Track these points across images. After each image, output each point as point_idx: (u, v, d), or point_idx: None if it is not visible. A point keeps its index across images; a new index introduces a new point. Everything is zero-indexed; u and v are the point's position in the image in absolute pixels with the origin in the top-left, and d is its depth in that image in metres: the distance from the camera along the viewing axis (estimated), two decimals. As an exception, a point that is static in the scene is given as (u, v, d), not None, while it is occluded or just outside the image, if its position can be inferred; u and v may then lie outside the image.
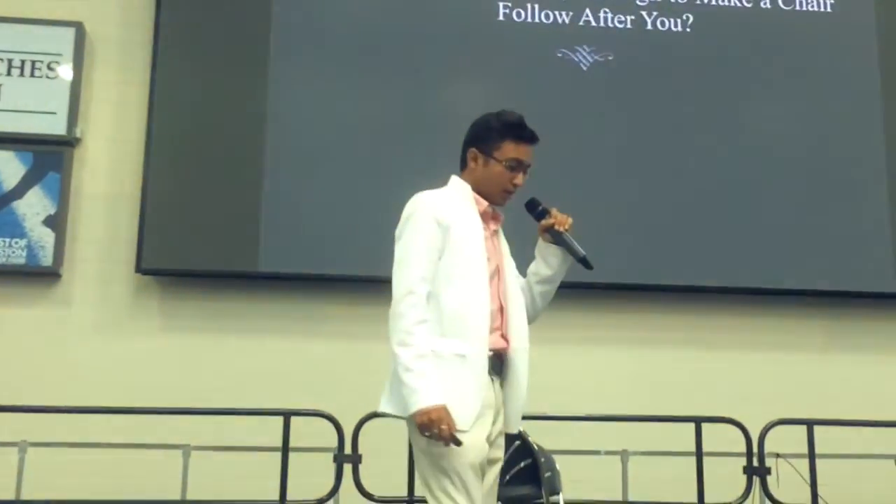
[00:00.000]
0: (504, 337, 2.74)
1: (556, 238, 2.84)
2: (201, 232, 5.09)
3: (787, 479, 4.51)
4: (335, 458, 4.23)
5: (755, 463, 4.39)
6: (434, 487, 2.58)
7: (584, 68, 5.50)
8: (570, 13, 5.54)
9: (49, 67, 5.29)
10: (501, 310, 2.75)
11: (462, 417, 2.56)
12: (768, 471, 4.39)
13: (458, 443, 2.52)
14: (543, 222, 2.87)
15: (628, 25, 5.56)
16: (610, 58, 5.51)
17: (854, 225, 5.44)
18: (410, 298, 2.64)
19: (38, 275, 5.08)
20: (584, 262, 2.81)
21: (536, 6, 5.53)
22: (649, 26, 5.58)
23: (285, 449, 4.22)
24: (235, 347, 5.07)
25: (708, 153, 5.46)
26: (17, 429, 4.25)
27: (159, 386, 4.87)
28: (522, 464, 3.56)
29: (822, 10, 5.70)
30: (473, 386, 2.62)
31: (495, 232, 2.85)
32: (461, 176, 2.91)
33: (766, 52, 5.61)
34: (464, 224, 2.74)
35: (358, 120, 5.31)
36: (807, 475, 4.43)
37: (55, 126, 5.21)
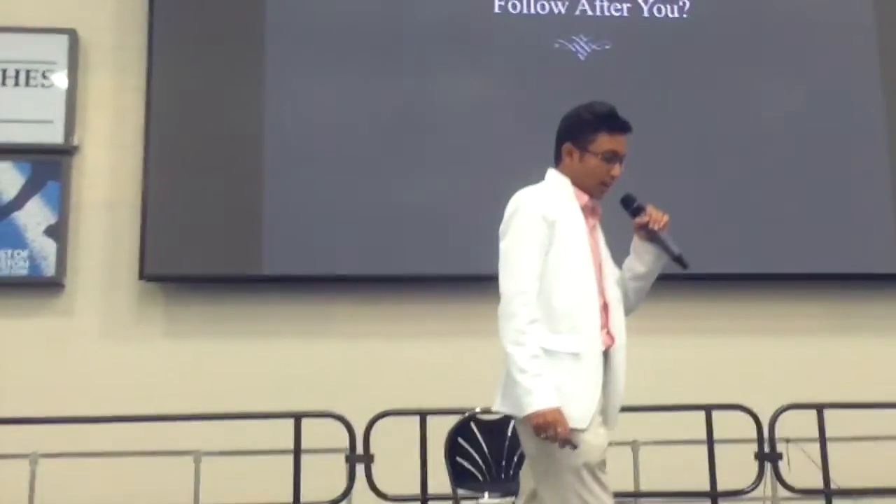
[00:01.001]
0: (609, 334, 2.73)
1: (651, 236, 2.78)
2: (203, 236, 5.07)
3: (799, 464, 4.51)
4: (347, 459, 4.23)
5: (766, 449, 4.40)
6: (558, 488, 2.55)
7: (582, 58, 5.48)
8: (566, 3, 5.52)
9: (44, 76, 5.27)
10: (605, 306, 2.74)
11: (579, 416, 2.56)
12: (780, 456, 4.39)
13: (575, 445, 2.51)
14: (638, 220, 2.81)
15: (625, 14, 5.54)
16: (608, 47, 5.48)
17: (859, 207, 5.43)
18: (522, 297, 2.65)
19: (42, 285, 5.07)
20: (678, 260, 2.75)
21: (532, -3, 5.51)
22: (646, 13, 5.55)
23: (297, 451, 4.22)
24: (242, 351, 5.06)
25: (710, 140, 5.44)
26: (28, 440, 4.24)
27: (167, 392, 4.85)
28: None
29: (820, -10, 5.68)
30: (589, 384, 2.62)
31: (594, 227, 2.83)
32: (562, 173, 2.86)
33: (764, 36, 5.59)
34: (568, 219, 2.72)
35: (356, 117, 5.29)
36: (818, 459, 4.43)
37: (52, 134, 5.19)
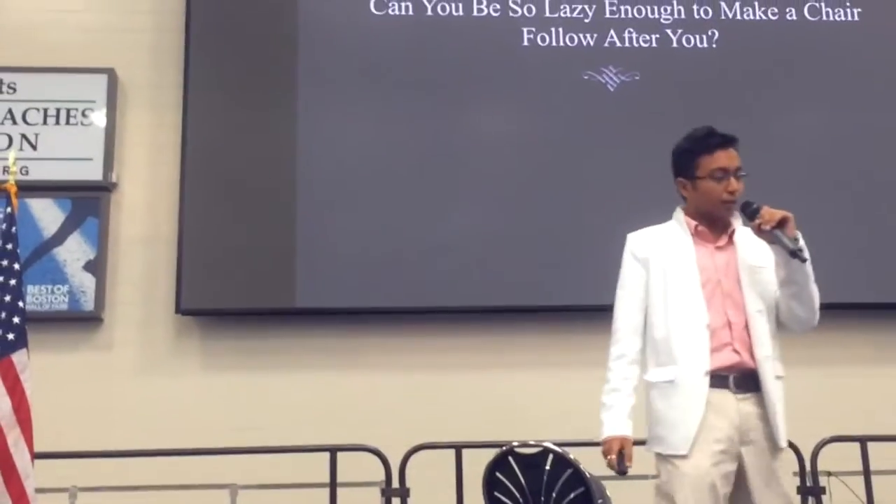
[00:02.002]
0: (736, 351, 2.76)
1: (769, 238, 2.75)
2: (238, 271, 5.12)
3: (842, 498, 4.43)
4: (383, 493, 4.22)
5: (809, 483, 4.32)
6: None
7: (611, 89, 5.50)
8: (595, 35, 5.55)
9: (83, 114, 5.37)
10: (730, 325, 2.76)
11: (677, 442, 2.68)
12: (822, 490, 4.32)
13: (621, 472, 2.70)
14: (751, 224, 2.80)
15: (654, 44, 5.56)
16: (637, 77, 5.50)
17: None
18: (614, 336, 2.86)
19: (81, 320, 5.13)
20: (795, 255, 2.69)
21: (560, 30, 5.55)
22: (675, 44, 5.57)
23: (333, 485, 4.22)
24: (277, 384, 5.09)
25: (742, 168, 5.41)
26: (66, 474, 4.27)
27: (204, 426, 4.88)
28: (573, 494, 3.54)
29: (850, 19, 5.67)
30: (686, 410, 2.69)
31: (721, 247, 2.85)
32: (682, 207, 2.96)
33: (793, 65, 5.58)
34: (667, 251, 2.83)
35: (387, 151, 5.34)
36: (862, 494, 4.35)
37: (92, 172, 5.28)
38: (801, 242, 2.68)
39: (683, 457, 2.66)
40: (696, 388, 2.70)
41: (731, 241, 2.86)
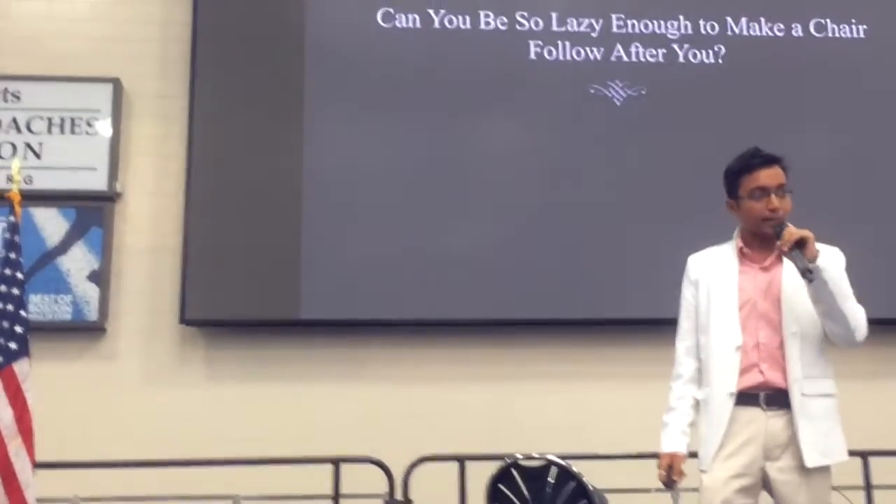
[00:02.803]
0: (762, 371, 2.83)
1: (788, 257, 2.81)
2: (243, 281, 5.12)
3: (846, 513, 4.41)
4: (386, 505, 4.21)
5: (812, 497, 4.30)
6: None
7: (618, 103, 5.51)
8: (602, 49, 5.56)
9: (88, 124, 5.38)
10: (758, 345, 2.83)
11: (704, 458, 2.84)
12: (825, 505, 4.30)
13: (668, 486, 2.86)
14: (777, 245, 2.85)
15: (660, 59, 5.57)
16: (643, 92, 5.51)
17: (898, 251, 5.37)
18: (675, 357, 3.02)
19: (84, 330, 5.12)
20: (804, 275, 2.74)
21: (567, 44, 5.56)
22: (681, 59, 5.58)
23: (336, 496, 4.22)
24: (281, 394, 5.08)
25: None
26: (68, 484, 4.24)
27: (207, 436, 4.87)
28: (577, 506, 3.54)
29: (856, 36, 5.68)
30: (712, 427, 2.82)
31: (766, 268, 2.92)
32: (739, 228, 3.04)
33: (799, 81, 5.58)
34: (714, 273, 2.93)
35: (393, 164, 5.34)
36: (864, 508, 4.34)
37: (96, 181, 5.28)
38: (821, 262, 2.73)
39: (706, 472, 2.80)
40: (721, 407, 2.83)
41: (779, 260, 2.90)
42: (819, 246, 2.86)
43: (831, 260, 2.85)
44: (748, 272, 2.93)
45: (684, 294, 3.06)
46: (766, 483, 2.81)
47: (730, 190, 3.02)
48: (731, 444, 2.79)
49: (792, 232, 2.78)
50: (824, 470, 2.81)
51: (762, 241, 2.94)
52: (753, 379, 2.82)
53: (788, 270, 2.87)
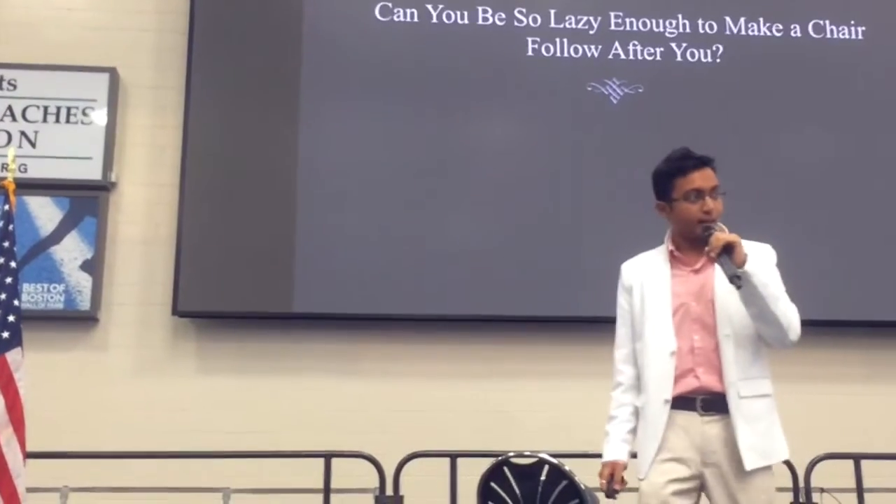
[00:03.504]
0: (697, 376, 2.79)
1: (717, 262, 2.78)
2: (236, 273, 5.11)
3: (835, 515, 4.44)
4: (376, 500, 4.20)
5: (802, 499, 4.32)
6: None
7: (615, 101, 5.50)
8: (599, 47, 5.55)
9: (84, 113, 5.36)
10: (693, 350, 2.80)
11: (640, 465, 2.81)
12: (816, 506, 4.33)
13: (609, 495, 2.84)
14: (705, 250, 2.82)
15: (658, 58, 5.57)
16: (640, 90, 5.51)
17: (893, 254, 5.37)
18: (614, 365, 2.99)
19: (76, 319, 5.11)
20: (731, 280, 2.70)
21: (565, 41, 5.55)
22: (679, 58, 5.58)
23: (326, 491, 4.20)
24: (272, 388, 5.07)
25: (742, 186, 5.39)
26: (58, 474, 4.25)
27: (198, 428, 4.87)
28: (568, 505, 3.53)
29: (854, 38, 5.67)
30: (649, 435, 2.81)
31: (698, 270, 2.87)
32: (670, 231, 3.00)
33: (797, 82, 5.58)
34: (647, 279, 2.90)
35: (389, 158, 5.33)
36: (855, 510, 4.35)
37: (91, 171, 5.27)
38: (749, 266, 2.68)
39: (643, 479, 2.78)
40: (657, 414, 2.80)
41: (711, 262, 2.85)
42: (749, 244, 2.83)
43: (761, 261, 2.80)
44: (680, 276, 2.89)
45: (619, 301, 3.02)
46: (705, 489, 2.77)
47: (660, 192, 2.95)
48: (667, 450, 2.76)
49: (719, 237, 2.74)
50: (765, 471, 2.75)
51: (693, 244, 2.88)
52: (689, 384, 2.78)
53: (721, 272, 2.81)
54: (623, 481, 2.88)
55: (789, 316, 2.76)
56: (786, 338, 2.77)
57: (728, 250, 2.71)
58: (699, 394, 2.77)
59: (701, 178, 2.87)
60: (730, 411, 2.74)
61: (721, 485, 2.72)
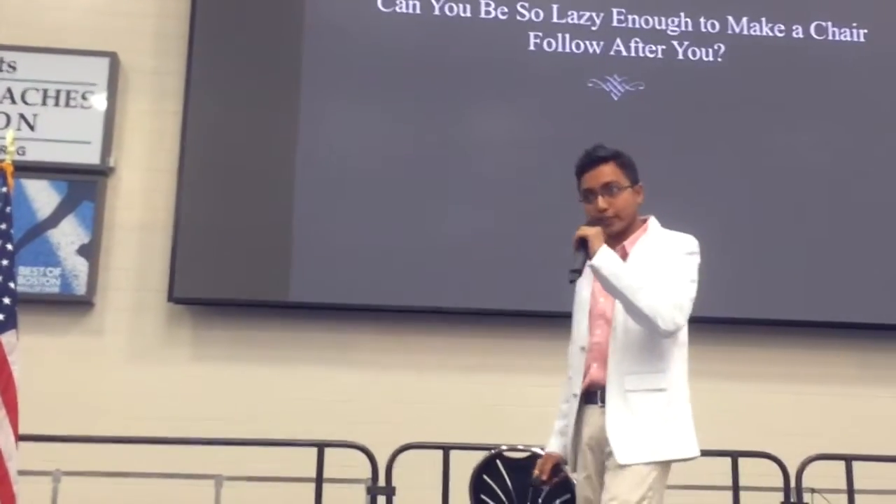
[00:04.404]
0: (594, 370, 2.83)
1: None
2: (233, 261, 5.11)
3: (826, 515, 4.46)
4: (368, 491, 4.20)
5: (793, 499, 4.34)
6: None
7: (615, 98, 5.50)
8: (601, 43, 5.55)
9: (83, 97, 5.34)
10: (596, 344, 2.84)
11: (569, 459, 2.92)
12: (806, 506, 4.34)
13: (533, 485, 2.99)
14: None
15: (660, 55, 5.56)
16: (641, 87, 5.50)
17: (890, 256, 5.39)
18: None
19: (72, 303, 5.11)
20: (569, 273, 2.76)
21: (567, 36, 5.55)
22: (681, 56, 5.57)
23: (319, 480, 4.20)
24: (267, 376, 5.07)
25: (740, 184, 5.43)
26: (51, 458, 4.24)
27: (191, 415, 4.87)
28: (559, 501, 3.55)
29: (856, 40, 5.68)
30: (569, 428, 2.88)
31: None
32: None
33: (798, 83, 5.59)
34: (582, 278, 2.87)
35: (389, 150, 5.33)
36: (845, 511, 4.37)
37: (89, 155, 5.26)
38: (596, 261, 2.70)
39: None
40: (571, 408, 2.89)
41: (622, 257, 2.83)
42: (668, 233, 2.88)
43: (646, 252, 2.80)
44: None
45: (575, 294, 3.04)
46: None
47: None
48: (583, 443, 2.82)
49: (577, 233, 2.79)
50: (649, 467, 2.65)
51: (609, 241, 2.86)
52: (589, 378, 2.83)
53: (630, 264, 2.81)
54: (550, 474, 2.94)
55: (655, 306, 2.66)
56: (656, 328, 2.68)
57: (583, 244, 2.75)
58: (597, 388, 2.80)
59: (590, 178, 2.91)
60: (606, 404, 2.74)
61: (609, 476, 2.70)
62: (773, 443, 4.50)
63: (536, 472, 2.94)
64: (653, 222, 2.96)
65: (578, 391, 2.84)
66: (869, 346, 5.41)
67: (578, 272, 2.74)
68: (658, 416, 2.71)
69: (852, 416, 5.21)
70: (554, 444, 2.97)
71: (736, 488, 4.39)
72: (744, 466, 4.44)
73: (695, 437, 2.77)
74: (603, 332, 2.83)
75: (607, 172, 2.89)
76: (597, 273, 2.72)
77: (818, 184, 5.47)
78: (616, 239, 2.86)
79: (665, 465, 2.71)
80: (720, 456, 4.43)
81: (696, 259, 2.85)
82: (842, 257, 5.37)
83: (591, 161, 2.91)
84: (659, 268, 2.76)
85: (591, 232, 2.77)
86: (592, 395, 2.81)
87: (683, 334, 2.85)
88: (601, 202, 2.85)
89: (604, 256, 2.72)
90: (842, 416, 5.20)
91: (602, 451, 2.75)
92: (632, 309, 2.71)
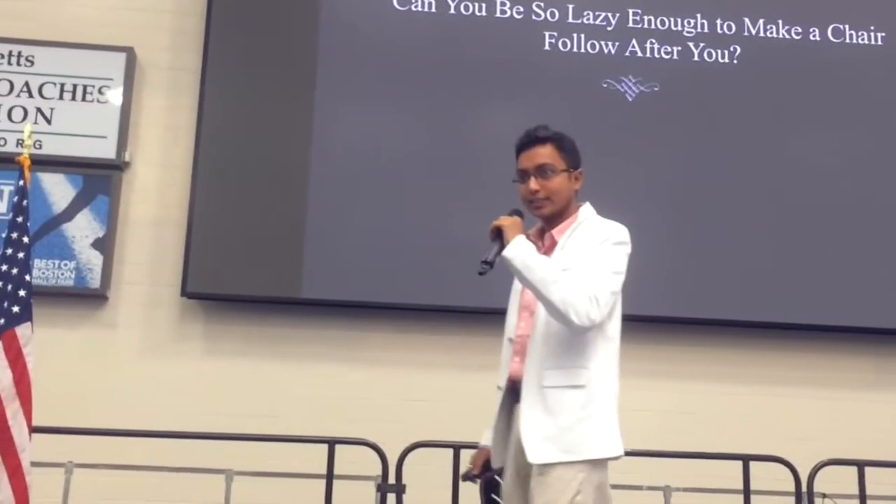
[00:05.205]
0: (515, 363, 2.73)
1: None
2: (246, 257, 5.12)
3: (836, 520, 4.44)
4: (378, 488, 4.21)
5: (804, 503, 4.32)
6: None
7: (630, 98, 5.49)
8: (617, 43, 5.54)
9: (100, 92, 5.37)
10: (519, 336, 2.75)
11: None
12: (817, 511, 4.33)
13: (464, 478, 2.90)
14: None
15: (675, 56, 5.55)
16: (656, 88, 5.49)
17: (905, 261, 5.37)
18: None
19: (86, 297, 5.13)
20: (480, 265, 2.64)
21: (582, 36, 5.54)
22: (696, 57, 5.56)
23: (329, 477, 4.22)
24: (278, 372, 5.09)
25: (755, 187, 5.41)
26: (63, 450, 4.27)
27: (203, 409, 4.89)
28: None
29: (873, 43, 5.65)
30: (496, 425, 2.78)
31: (542, 253, 2.73)
32: None
33: (814, 86, 5.56)
34: None
35: (402, 148, 5.33)
36: (856, 516, 4.35)
37: (105, 150, 5.28)
38: (508, 252, 2.60)
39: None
40: (497, 402, 2.80)
41: (553, 245, 2.75)
42: (599, 222, 2.76)
43: (525, 249, 2.63)
44: None
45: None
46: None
47: None
48: (501, 439, 2.72)
49: (493, 222, 2.68)
50: (567, 466, 2.53)
51: (543, 227, 2.80)
52: (510, 371, 2.73)
53: (558, 254, 2.71)
54: (481, 469, 2.83)
55: (569, 299, 2.53)
56: (569, 322, 2.54)
57: (499, 235, 2.66)
58: (516, 381, 2.69)
59: (525, 159, 2.78)
60: (521, 400, 2.63)
61: (534, 483, 2.58)
62: (785, 447, 4.49)
63: (469, 465, 2.82)
64: (586, 210, 2.83)
65: (503, 384, 2.76)
66: (883, 352, 5.38)
67: (490, 264, 2.61)
68: (578, 414, 2.56)
69: (865, 421, 5.18)
70: (488, 438, 2.83)
71: (747, 492, 4.38)
72: (755, 470, 4.43)
73: (617, 435, 2.60)
74: (527, 325, 2.72)
75: (543, 154, 2.76)
76: (509, 265, 2.61)
77: (834, 187, 5.44)
78: (548, 226, 2.78)
79: (594, 466, 2.56)
80: (731, 459, 4.43)
81: (625, 249, 2.71)
82: (859, 261, 5.34)
83: (528, 141, 2.79)
84: (583, 258, 2.64)
85: (507, 222, 2.66)
86: (516, 390, 2.68)
87: (614, 328, 2.69)
88: (533, 184, 2.74)
89: (517, 248, 2.61)
90: (855, 421, 5.18)
91: (518, 447, 2.63)
92: (545, 302, 2.58)
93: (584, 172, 2.85)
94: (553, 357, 2.61)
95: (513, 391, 2.71)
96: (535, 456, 2.54)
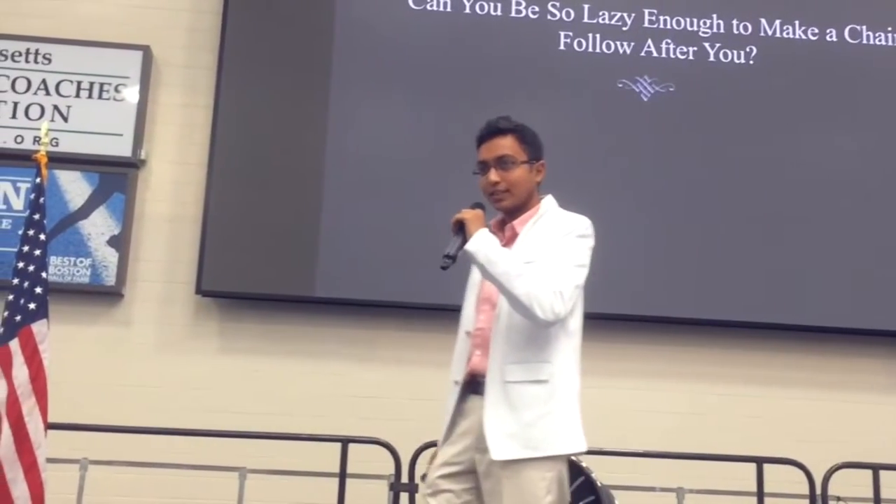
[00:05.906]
0: (475, 358, 2.68)
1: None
2: (261, 255, 5.14)
3: (850, 524, 4.42)
4: (391, 487, 4.22)
5: (818, 505, 4.31)
6: None
7: (645, 99, 5.47)
8: (632, 43, 5.52)
9: (116, 90, 5.39)
10: (479, 330, 2.71)
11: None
12: (831, 514, 4.31)
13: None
14: None
15: (690, 57, 5.53)
16: (671, 89, 5.47)
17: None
18: None
19: (101, 294, 5.16)
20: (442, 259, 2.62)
21: (598, 36, 5.53)
22: (712, 58, 5.54)
23: (342, 476, 4.22)
24: (292, 370, 5.10)
25: (771, 188, 5.38)
26: (78, 446, 4.30)
27: (216, 407, 4.91)
28: (583, 503, 3.54)
29: (891, 44, 5.61)
30: (444, 417, 2.71)
31: (503, 245, 2.69)
32: None
33: (831, 87, 5.53)
34: None
35: (418, 147, 5.33)
36: (870, 520, 4.33)
37: (121, 147, 5.31)
38: (471, 246, 2.58)
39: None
40: (449, 396, 2.71)
41: (514, 237, 2.72)
42: (561, 214, 2.76)
43: (489, 242, 2.60)
44: None
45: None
46: (477, 473, 2.62)
47: None
48: (451, 433, 2.65)
49: (455, 216, 2.66)
50: (530, 463, 2.51)
51: (504, 219, 2.77)
52: (471, 366, 2.67)
53: (519, 246, 2.68)
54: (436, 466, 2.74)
55: (533, 293, 2.51)
56: (533, 316, 2.52)
57: (461, 228, 2.63)
58: (478, 377, 2.64)
59: (485, 150, 2.77)
60: (485, 395, 2.58)
61: (486, 473, 2.56)
62: (800, 450, 4.48)
63: (429, 465, 2.72)
64: (548, 202, 2.81)
65: (460, 378, 2.70)
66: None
67: (452, 258, 2.59)
68: (541, 409, 2.55)
69: (880, 424, 5.15)
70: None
71: (760, 495, 4.37)
72: (769, 473, 4.42)
73: (580, 431, 2.61)
74: (487, 318, 2.68)
75: (504, 145, 2.75)
76: (472, 259, 2.58)
77: (851, 188, 5.41)
78: (509, 217, 2.75)
79: (556, 461, 2.55)
80: (746, 462, 4.41)
81: (588, 242, 2.71)
82: (873, 264, 5.31)
83: (489, 132, 2.77)
84: (546, 251, 2.62)
85: (469, 215, 2.64)
86: (476, 384, 2.64)
87: (575, 323, 2.69)
88: (493, 175, 2.73)
89: (479, 241, 2.58)
90: (869, 424, 5.15)
91: (476, 444, 2.59)
92: (509, 296, 2.55)
93: (546, 164, 2.84)
94: (516, 351, 2.59)
95: (470, 384, 2.68)
96: (498, 453, 2.51)
